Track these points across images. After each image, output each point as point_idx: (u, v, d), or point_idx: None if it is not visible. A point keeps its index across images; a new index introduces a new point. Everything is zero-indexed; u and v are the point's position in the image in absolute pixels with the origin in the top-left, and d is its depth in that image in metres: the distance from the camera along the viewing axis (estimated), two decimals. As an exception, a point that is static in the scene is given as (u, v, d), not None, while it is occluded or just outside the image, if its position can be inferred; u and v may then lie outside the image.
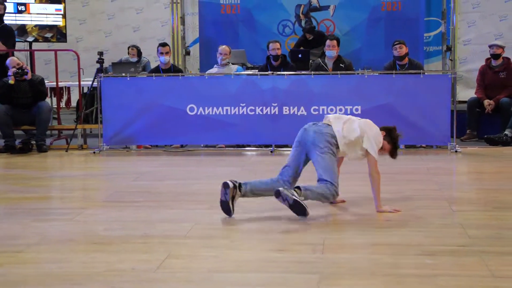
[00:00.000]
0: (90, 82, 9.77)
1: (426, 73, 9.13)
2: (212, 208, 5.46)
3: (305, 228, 4.76)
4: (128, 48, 10.93)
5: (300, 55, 10.16)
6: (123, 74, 9.11)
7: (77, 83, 10.08)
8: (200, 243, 4.43)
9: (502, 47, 9.73)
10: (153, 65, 10.58)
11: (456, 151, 8.40)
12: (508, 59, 9.81)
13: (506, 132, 9.05)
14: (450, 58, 11.76)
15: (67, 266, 3.96)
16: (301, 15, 11.95)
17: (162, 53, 9.58)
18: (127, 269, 3.87)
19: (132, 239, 4.53)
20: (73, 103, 11.65)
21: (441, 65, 11.96)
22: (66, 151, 9.12)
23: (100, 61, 9.31)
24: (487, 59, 9.89)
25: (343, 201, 5.43)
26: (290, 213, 5.14)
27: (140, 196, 6.04)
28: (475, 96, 9.83)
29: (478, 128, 9.64)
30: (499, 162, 7.82)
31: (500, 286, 3.49)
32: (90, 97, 10.30)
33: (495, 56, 9.72)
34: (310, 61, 10.18)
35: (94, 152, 8.93)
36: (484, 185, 6.55)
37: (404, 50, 9.15)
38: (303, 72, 9.14)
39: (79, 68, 10.00)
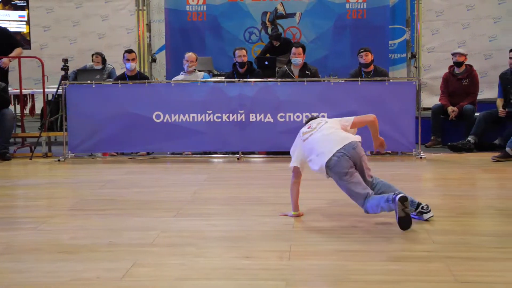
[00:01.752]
0: (55, 90, 9.67)
1: (391, 80, 9.22)
2: (178, 215, 5.45)
3: (272, 235, 4.77)
4: (92, 55, 10.84)
5: (266, 62, 10.18)
6: (89, 82, 9.04)
7: (42, 90, 9.97)
8: (166, 251, 4.41)
9: (465, 55, 9.87)
10: (118, 72, 10.51)
11: (421, 158, 8.49)
12: (471, 66, 9.96)
13: (469, 138, 9.17)
14: (415, 65, 11.88)
15: (32, 276, 3.91)
16: (267, 23, 11.98)
17: (128, 60, 9.53)
18: (93, 278, 3.83)
19: (98, 248, 4.49)
20: (38, 111, 11.51)
21: (406, 72, 12.09)
22: (30, 159, 9.01)
23: (65, 68, 9.23)
24: (450, 67, 10.02)
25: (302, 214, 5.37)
26: (255, 220, 5.15)
27: (106, 204, 5.99)
28: (439, 103, 9.95)
29: (442, 134, 9.76)
30: (462, 168, 7.92)
31: (464, 291, 3.53)
32: (55, 105, 10.18)
33: (458, 64, 9.86)
34: (277, 68, 10.20)
35: (59, 160, 8.83)
36: (449, 191, 6.63)
37: (369, 57, 9.24)
38: (269, 79, 9.16)
39: (43, 75, 9.89)
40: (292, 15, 11.98)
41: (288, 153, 8.57)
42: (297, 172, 5.27)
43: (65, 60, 9.41)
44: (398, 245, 4.44)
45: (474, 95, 9.87)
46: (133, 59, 9.56)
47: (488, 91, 11.23)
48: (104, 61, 10.75)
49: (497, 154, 8.29)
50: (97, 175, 7.80)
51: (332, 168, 4.96)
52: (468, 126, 9.43)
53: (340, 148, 5.01)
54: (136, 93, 8.90)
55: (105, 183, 7.13)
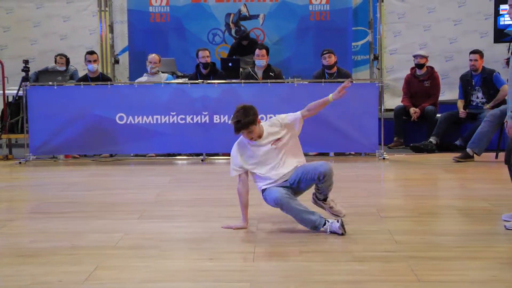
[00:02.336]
0: (15, 91, 9.53)
1: (354, 82, 9.28)
2: (142, 218, 5.41)
3: (236, 237, 4.76)
4: (56, 56, 10.70)
5: (230, 64, 10.17)
6: (50, 83, 8.93)
7: (1, 92, 9.82)
8: (130, 254, 4.38)
9: (426, 57, 9.99)
10: (81, 74, 10.40)
11: (383, 158, 8.57)
12: (432, 68, 10.08)
13: (431, 139, 9.28)
14: (377, 67, 11.98)
15: (-9, 280, 3.85)
16: (231, 24, 11.96)
17: (90, 61, 9.44)
18: (54, 282, 3.78)
19: (60, 251, 4.44)
20: (-2, 112, 11.32)
21: (368, 73, 12.18)
22: (-9, 161, 8.87)
23: (26, 69, 9.10)
24: (412, 68, 10.13)
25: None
26: (220, 221, 5.15)
27: (68, 207, 5.92)
28: (402, 104, 10.05)
29: (404, 135, 9.85)
30: (424, 169, 8.01)
31: (426, 290, 3.57)
32: (16, 106, 10.04)
33: (420, 66, 9.97)
34: (241, 69, 10.20)
35: (20, 162, 8.71)
36: (411, 191, 6.70)
37: (333, 59, 9.29)
38: (233, 80, 9.16)
39: (3, 77, 9.74)
40: (256, 16, 11.98)
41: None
42: None
43: (26, 61, 9.29)
44: (361, 246, 4.47)
45: (436, 97, 9.99)
46: (94, 61, 9.47)
47: (449, 93, 11.37)
48: (68, 62, 10.64)
49: (458, 154, 8.42)
50: (59, 178, 7.71)
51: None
52: (430, 127, 9.54)
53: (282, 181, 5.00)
54: (99, 94, 8.82)
55: (67, 186, 7.05)
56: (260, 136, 4.99)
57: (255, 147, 4.99)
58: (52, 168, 8.50)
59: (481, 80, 9.39)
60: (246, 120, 4.85)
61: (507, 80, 8.06)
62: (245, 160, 5.01)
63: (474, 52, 9.41)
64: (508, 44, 4.96)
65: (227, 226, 5.01)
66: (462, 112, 9.39)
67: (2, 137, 9.19)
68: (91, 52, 9.59)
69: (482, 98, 9.44)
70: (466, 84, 9.49)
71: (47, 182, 7.43)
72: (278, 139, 4.99)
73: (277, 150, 4.98)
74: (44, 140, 8.74)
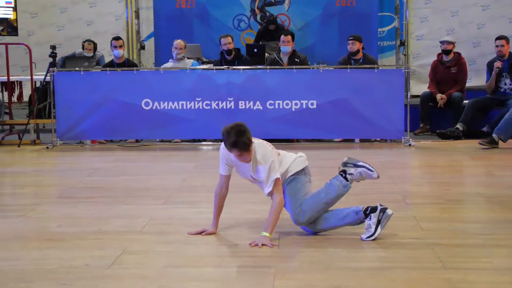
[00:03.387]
0: (43, 77, 9.61)
1: (380, 68, 9.22)
2: (167, 203, 5.45)
3: (261, 223, 4.76)
4: (84, 42, 10.76)
5: (255, 50, 10.16)
6: (77, 69, 8.99)
7: (29, 77, 9.90)
8: (155, 239, 4.41)
9: (453, 43, 9.88)
10: (107, 60, 10.45)
11: (409, 145, 8.51)
12: (459, 54, 9.97)
13: (458, 126, 9.20)
14: (404, 53, 11.89)
15: (20, 263, 3.90)
16: (256, 10, 11.94)
17: (115, 47, 9.48)
18: (81, 266, 3.83)
19: (86, 236, 4.49)
20: (25, 98, 11.43)
21: (394, 59, 12.10)
22: (18, 146, 8.96)
23: (53, 55, 9.17)
24: (439, 54, 10.03)
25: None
26: (244, 207, 5.17)
27: (94, 192, 5.97)
28: (428, 90, 9.97)
29: (431, 122, 9.78)
30: (450, 155, 7.95)
31: (451, 277, 3.55)
32: (43, 92, 10.13)
33: (446, 52, 9.87)
34: (266, 55, 10.18)
35: (47, 148, 8.80)
36: (437, 178, 6.66)
37: (356, 45, 9.22)
38: (258, 66, 9.15)
39: (31, 62, 9.83)
40: (281, 2, 11.95)
41: (277, 140, 8.63)
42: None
43: (53, 47, 9.34)
44: (386, 232, 4.45)
45: (463, 83, 9.88)
46: (120, 46, 9.51)
47: (476, 79, 11.26)
48: (95, 48, 10.70)
49: (484, 139, 8.32)
50: (85, 163, 7.77)
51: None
52: (456, 113, 9.45)
53: None
54: (125, 80, 8.86)
55: (94, 171, 7.11)
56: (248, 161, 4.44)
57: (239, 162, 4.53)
58: (79, 153, 8.58)
59: (508, 66, 9.27)
60: (242, 142, 4.29)
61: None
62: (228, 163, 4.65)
63: (500, 38, 9.31)
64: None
65: (194, 232, 4.51)
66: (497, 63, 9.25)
67: (30, 122, 9.28)
68: (117, 38, 9.63)
69: (510, 85, 9.33)
70: (493, 70, 9.39)
71: (74, 167, 7.50)
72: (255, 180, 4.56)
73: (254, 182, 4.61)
74: (70, 126, 8.81)
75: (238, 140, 4.26)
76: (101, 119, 8.77)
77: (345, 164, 4.53)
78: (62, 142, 8.91)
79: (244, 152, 4.31)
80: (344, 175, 4.47)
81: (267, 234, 4.22)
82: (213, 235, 4.44)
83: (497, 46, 9.28)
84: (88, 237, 4.46)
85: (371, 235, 4.24)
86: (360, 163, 4.49)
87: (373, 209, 4.29)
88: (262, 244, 4.14)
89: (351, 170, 4.49)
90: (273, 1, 11.95)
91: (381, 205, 4.30)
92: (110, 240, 4.36)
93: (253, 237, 4.38)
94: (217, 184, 4.62)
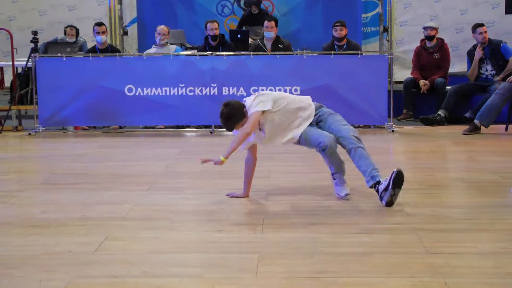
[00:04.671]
0: (24, 62, 9.53)
1: (363, 54, 9.23)
2: (151, 189, 5.44)
3: (245, 209, 4.78)
4: (66, 28, 10.67)
5: (239, 35, 10.12)
6: (59, 54, 8.92)
7: (11, 63, 9.81)
8: (139, 225, 4.40)
9: (436, 29, 9.90)
10: (89, 46, 10.38)
11: (392, 131, 8.55)
12: (442, 40, 10.00)
13: (440, 112, 9.24)
14: (387, 39, 11.89)
15: (3, 250, 3.88)
16: (240, -5, 11.89)
17: (98, 33, 9.42)
18: (64, 252, 3.81)
19: (70, 222, 4.47)
20: (7, 84, 11.34)
21: (378, 45, 12.10)
22: (0, 132, 8.90)
23: (34, 40, 9.09)
24: (422, 40, 10.05)
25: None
26: (227, 193, 5.17)
27: (77, 178, 5.95)
28: (411, 76, 10.00)
29: (414, 108, 9.81)
30: (433, 141, 7.99)
31: (434, 262, 3.58)
32: (25, 78, 10.05)
33: (429, 38, 9.89)
34: (249, 41, 10.16)
35: (29, 134, 8.74)
36: (420, 164, 6.69)
37: (344, 31, 9.25)
38: (242, 52, 9.13)
39: (12, 48, 9.74)
40: (265, -13, 11.89)
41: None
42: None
43: (35, 32, 9.26)
44: (369, 218, 4.48)
45: (445, 69, 9.92)
46: (103, 32, 9.45)
47: (459, 65, 11.30)
48: (77, 34, 10.62)
49: (467, 127, 8.37)
50: (68, 149, 7.74)
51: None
52: (439, 99, 9.50)
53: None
54: (108, 66, 8.81)
55: (77, 157, 7.08)
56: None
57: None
58: (62, 140, 8.53)
59: (489, 52, 9.33)
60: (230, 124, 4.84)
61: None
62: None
63: (481, 25, 9.36)
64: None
65: (232, 195, 5.09)
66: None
67: (12, 108, 9.21)
68: (100, 24, 9.56)
69: (491, 70, 9.39)
70: (473, 58, 9.45)
71: (57, 153, 7.46)
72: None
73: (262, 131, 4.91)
74: (53, 112, 8.76)
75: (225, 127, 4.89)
76: (84, 105, 8.72)
77: None
78: (44, 128, 8.86)
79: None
80: None
81: (222, 158, 4.75)
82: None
83: (480, 33, 9.32)
84: (72, 223, 4.44)
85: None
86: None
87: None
88: (210, 160, 4.77)
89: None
90: (257, -14, 11.89)
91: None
92: (94, 226, 4.35)
93: (237, 223, 4.39)
94: (247, 156, 5.11)
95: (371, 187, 4.78)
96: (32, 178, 6.15)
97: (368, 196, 5.02)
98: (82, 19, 12.12)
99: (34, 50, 8.99)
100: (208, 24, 9.42)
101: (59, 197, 5.24)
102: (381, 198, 4.70)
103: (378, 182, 4.72)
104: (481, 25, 9.37)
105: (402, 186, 4.69)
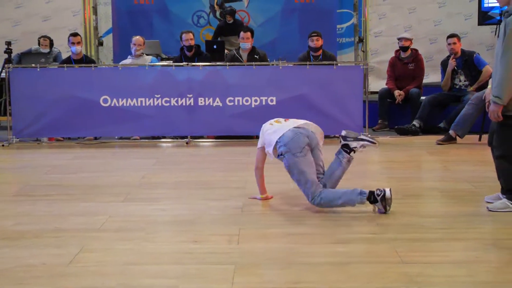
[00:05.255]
0: (-2, 73, 9.45)
1: (339, 64, 9.28)
2: (126, 200, 5.40)
3: (221, 219, 4.77)
4: (39, 38, 10.60)
5: (215, 46, 10.13)
6: (33, 65, 8.86)
7: (-16, 74, 9.72)
8: (114, 236, 4.37)
9: (410, 39, 10.00)
10: (64, 56, 10.32)
11: (368, 141, 8.58)
12: (416, 50, 10.09)
13: (414, 122, 9.32)
14: (362, 49, 11.98)
15: (-25, 263, 3.83)
16: (216, 6, 11.91)
17: (73, 43, 9.36)
18: (38, 264, 3.77)
19: (44, 234, 4.42)
20: (-19, 95, 11.22)
21: (353, 56, 12.18)
22: (-26, 144, 8.81)
23: (8, 51, 9.02)
24: (397, 51, 10.14)
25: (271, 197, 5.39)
26: (204, 204, 5.16)
27: (52, 190, 5.90)
28: (386, 87, 10.08)
29: (389, 118, 9.89)
30: (408, 151, 8.05)
31: (409, 271, 3.59)
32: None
33: (404, 48, 9.98)
34: (225, 52, 10.17)
35: (3, 145, 8.65)
36: (395, 173, 6.73)
37: (320, 42, 9.32)
38: (218, 63, 9.13)
39: (-14, 59, 9.65)
40: (241, -2, 11.94)
41: (237, 137, 8.68)
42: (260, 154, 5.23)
43: (8, 43, 9.19)
44: (345, 228, 4.50)
45: (420, 79, 10.01)
46: (78, 43, 9.40)
47: (433, 75, 11.40)
48: (51, 44, 10.55)
49: (441, 137, 8.45)
50: (43, 160, 7.67)
51: (286, 143, 4.92)
52: (414, 109, 9.57)
53: (298, 126, 5.04)
54: (83, 77, 8.77)
55: (51, 168, 7.02)
56: None
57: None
58: (36, 151, 8.46)
59: (462, 63, 9.43)
60: None
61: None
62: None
63: (451, 36, 9.49)
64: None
65: (253, 197, 5.33)
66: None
67: (-15, 119, 9.12)
68: (75, 34, 9.51)
69: (465, 81, 9.49)
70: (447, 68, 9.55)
71: (31, 164, 7.39)
72: None
73: None
74: (27, 123, 8.69)
75: None
76: (58, 116, 8.66)
77: (344, 138, 5.13)
78: (18, 139, 8.78)
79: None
80: (347, 150, 5.11)
81: (262, 196, 5.25)
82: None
83: (449, 44, 9.44)
84: (46, 235, 4.40)
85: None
86: (361, 137, 5.19)
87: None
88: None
89: (353, 144, 5.13)
90: (232, -3, 11.93)
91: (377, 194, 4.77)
92: (69, 238, 4.31)
93: (213, 234, 4.38)
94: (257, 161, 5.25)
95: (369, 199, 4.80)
96: (5, 190, 6.08)
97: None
98: (57, 30, 12.04)
99: (8, 60, 8.91)
100: (183, 35, 9.43)
101: (33, 208, 5.18)
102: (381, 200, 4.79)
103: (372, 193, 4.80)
104: (451, 36, 9.48)
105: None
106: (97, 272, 3.65)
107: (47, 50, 10.40)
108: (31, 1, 12.33)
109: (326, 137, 8.77)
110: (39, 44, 10.53)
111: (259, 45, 10.14)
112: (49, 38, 10.53)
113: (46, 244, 4.18)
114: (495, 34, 4.71)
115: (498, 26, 4.85)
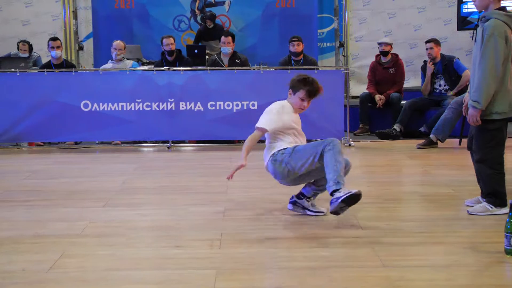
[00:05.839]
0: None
1: (320, 69, 9.32)
2: (107, 206, 5.38)
3: (202, 224, 4.76)
4: (18, 43, 10.53)
5: (196, 51, 10.12)
6: (12, 70, 8.80)
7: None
8: (95, 242, 4.35)
9: (390, 44, 10.07)
10: (44, 61, 10.26)
11: (349, 145, 8.63)
12: (397, 55, 10.16)
13: (395, 126, 9.37)
14: (343, 54, 12.03)
15: (-46, 270, 3.79)
16: (196, 11, 11.90)
17: (53, 48, 9.32)
18: (17, 271, 3.75)
19: (23, 239, 4.39)
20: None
21: (334, 61, 12.23)
22: (-48, 149, 8.73)
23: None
24: (377, 56, 10.20)
25: None
26: (185, 209, 5.15)
27: (31, 195, 5.86)
28: (367, 91, 10.13)
29: (370, 122, 9.94)
30: (389, 155, 8.09)
31: (389, 275, 3.61)
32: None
33: (384, 53, 10.05)
34: (207, 56, 10.17)
35: (-18, 150, 8.59)
36: (376, 178, 6.76)
37: (301, 46, 9.35)
38: (199, 67, 9.13)
39: (-36, 63, 9.56)
40: (222, 3, 11.94)
41: (218, 141, 8.67)
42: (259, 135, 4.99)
43: (-13, 48, 9.11)
44: (325, 232, 4.51)
45: (400, 84, 10.08)
46: (58, 47, 9.35)
47: (413, 80, 11.48)
48: (31, 49, 10.49)
49: (421, 141, 8.51)
50: (22, 165, 7.61)
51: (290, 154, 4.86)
52: (394, 113, 9.63)
53: None
54: (63, 81, 8.72)
55: (31, 173, 6.97)
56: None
57: (296, 117, 5.16)
58: (16, 156, 8.40)
59: (442, 68, 9.50)
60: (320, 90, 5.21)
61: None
62: (285, 121, 5.04)
63: (428, 41, 9.59)
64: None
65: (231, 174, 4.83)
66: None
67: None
68: (54, 39, 9.46)
69: (444, 85, 9.56)
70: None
71: (10, 170, 7.33)
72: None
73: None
74: (7, 128, 8.62)
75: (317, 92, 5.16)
76: (39, 121, 8.60)
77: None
78: (-2, 144, 8.72)
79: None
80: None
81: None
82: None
83: (426, 49, 9.53)
84: (25, 241, 4.37)
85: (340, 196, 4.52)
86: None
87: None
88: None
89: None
90: (213, 1, 11.94)
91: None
92: (49, 244, 4.28)
93: (195, 239, 4.37)
94: (253, 134, 4.96)
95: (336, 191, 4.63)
96: (-15, 196, 6.03)
97: (324, 210, 5.05)
98: (37, 34, 11.98)
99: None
100: (164, 40, 9.42)
101: (12, 214, 5.15)
102: (331, 202, 4.60)
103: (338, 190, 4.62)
104: (429, 41, 9.57)
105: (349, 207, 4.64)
106: (77, 278, 3.63)
107: (26, 54, 10.34)
108: (10, 5, 12.26)
109: (307, 141, 8.90)
110: (18, 48, 10.46)
111: (239, 49, 10.15)
112: (28, 42, 10.47)
113: (25, 250, 4.16)
114: (472, 39, 4.75)
115: (474, 31, 4.89)
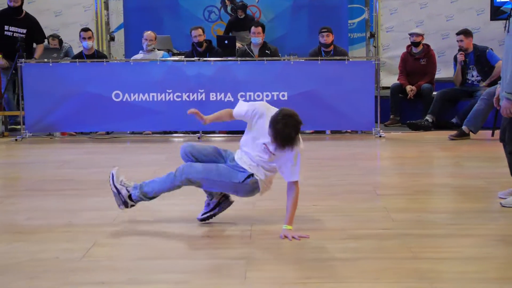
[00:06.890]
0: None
1: (350, 60, 9.27)
2: (138, 195, 5.40)
3: (233, 215, 4.77)
4: (48, 37, 10.64)
5: (226, 41, 10.13)
6: (45, 60, 8.89)
7: (-4, 68, 9.77)
8: (127, 231, 4.39)
9: (422, 35, 9.98)
10: (75, 51, 10.34)
11: (380, 136, 8.58)
12: (428, 46, 10.07)
13: (427, 117, 9.29)
14: (374, 44, 11.94)
15: (-12, 257, 3.86)
16: (226, 1, 11.88)
17: (84, 38, 9.40)
18: (51, 259, 3.79)
19: (56, 228, 4.45)
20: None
21: (365, 51, 12.13)
22: (-14, 139, 8.86)
23: (22, 44, 9.05)
24: (408, 46, 10.11)
25: None
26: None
27: (64, 185, 5.92)
28: (398, 82, 10.05)
29: (400, 113, 9.87)
30: (420, 146, 8.03)
31: (420, 267, 3.59)
32: (11, 83, 9.99)
33: (415, 44, 9.96)
34: (237, 47, 10.17)
35: (16, 140, 8.70)
36: (406, 169, 6.72)
37: (331, 37, 9.31)
38: (229, 58, 9.13)
39: (-1, 53, 9.69)
40: (252, -7, 11.92)
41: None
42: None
43: (21, 39, 9.21)
44: (356, 223, 4.49)
45: (432, 74, 9.99)
46: (89, 38, 9.43)
47: (445, 70, 11.35)
48: (60, 43, 10.58)
49: (454, 133, 8.43)
50: (55, 155, 7.70)
51: None
52: (426, 105, 9.55)
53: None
54: (95, 72, 8.80)
55: (64, 163, 7.05)
56: None
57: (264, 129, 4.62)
58: (48, 146, 8.50)
59: (474, 58, 9.40)
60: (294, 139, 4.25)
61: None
62: (253, 122, 4.89)
63: (459, 33, 9.51)
64: (504, 22, 4.92)
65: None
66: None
67: (-2, 114, 9.18)
68: (86, 29, 9.55)
69: (477, 76, 9.45)
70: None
71: (43, 159, 7.43)
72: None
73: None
74: (40, 117, 8.73)
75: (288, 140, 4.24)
76: (71, 111, 8.70)
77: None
78: (31, 134, 8.83)
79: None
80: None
81: (289, 227, 4.18)
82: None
83: (457, 41, 9.44)
84: (58, 229, 4.42)
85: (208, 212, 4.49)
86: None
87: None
88: (292, 237, 4.09)
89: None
90: (243, -8, 11.92)
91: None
92: (81, 233, 4.33)
93: (225, 229, 4.39)
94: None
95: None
96: (18, 184, 6.12)
97: (355, 202, 5.04)
98: (68, 25, 12.07)
99: (20, 55, 8.95)
100: (193, 31, 9.44)
101: (45, 203, 5.21)
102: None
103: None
104: (459, 33, 9.49)
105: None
106: (108, 267, 3.67)
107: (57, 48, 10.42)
108: (43, -4, 12.35)
109: (337, 132, 8.89)
110: (48, 42, 10.55)
111: (269, 40, 10.14)
112: (57, 37, 10.58)
113: (58, 239, 4.21)
114: (505, 29, 4.66)
115: (507, 21, 4.80)
